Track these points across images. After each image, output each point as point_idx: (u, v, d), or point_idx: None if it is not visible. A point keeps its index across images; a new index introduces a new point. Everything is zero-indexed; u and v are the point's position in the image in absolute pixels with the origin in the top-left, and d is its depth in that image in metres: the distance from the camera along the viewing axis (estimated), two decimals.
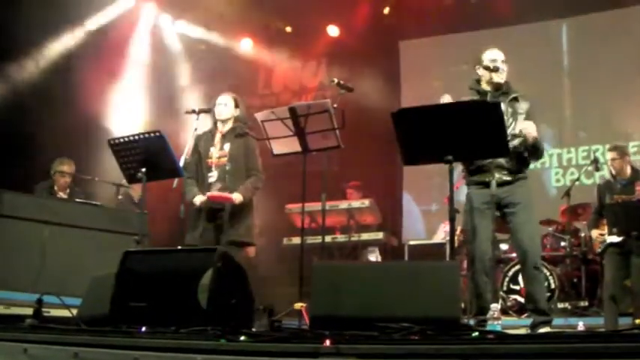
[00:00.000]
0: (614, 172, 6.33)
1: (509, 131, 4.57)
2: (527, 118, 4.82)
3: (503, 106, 4.76)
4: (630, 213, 5.97)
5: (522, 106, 4.85)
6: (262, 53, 10.79)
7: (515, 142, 4.67)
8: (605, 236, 6.23)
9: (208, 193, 5.34)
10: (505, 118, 4.72)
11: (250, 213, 5.51)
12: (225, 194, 5.35)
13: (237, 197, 5.36)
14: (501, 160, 4.70)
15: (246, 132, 5.53)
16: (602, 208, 6.35)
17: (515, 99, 4.87)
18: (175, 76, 10.58)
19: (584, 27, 9.40)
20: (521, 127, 4.70)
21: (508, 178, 4.77)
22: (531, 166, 5.09)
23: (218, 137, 5.51)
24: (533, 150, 4.79)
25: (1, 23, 7.98)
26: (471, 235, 4.82)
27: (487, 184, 4.77)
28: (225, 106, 5.54)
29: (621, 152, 6.35)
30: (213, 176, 5.44)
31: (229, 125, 5.55)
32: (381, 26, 10.11)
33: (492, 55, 4.89)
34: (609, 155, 6.41)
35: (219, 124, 5.57)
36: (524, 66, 7.95)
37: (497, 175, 4.73)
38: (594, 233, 6.44)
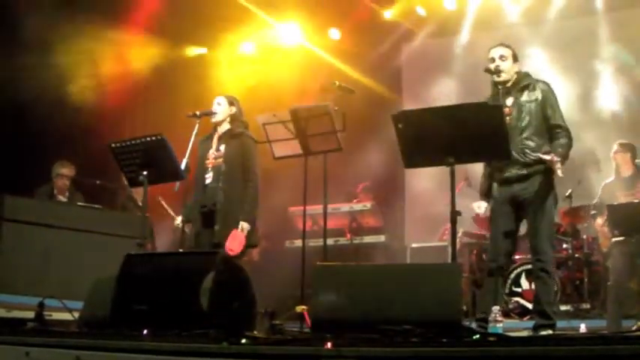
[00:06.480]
0: (614, 165, 6.47)
1: (517, 130, 4.56)
2: (544, 103, 4.63)
3: (510, 101, 4.66)
4: (633, 214, 5.96)
5: (535, 93, 4.66)
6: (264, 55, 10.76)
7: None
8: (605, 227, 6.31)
9: (227, 249, 5.10)
10: (513, 112, 4.62)
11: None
12: (238, 235, 5.16)
13: (245, 227, 5.21)
14: (514, 154, 4.50)
15: (242, 131, 5.47)
16: (605, 207, 6.35)
17: (526, 87, 4.69)
18: (178, 80, 10.56)
19: None
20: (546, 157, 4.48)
21: (522, 172, 4.60)
22: None
23: (215, 138, 5.50)
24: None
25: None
26: (491, 234, 4.81)
27: (503, 182, 4.70)
28: (219, 105, 5.52)
29: (625, 148, 6.46)
30: (209, 177, 5.41)
31: (226, 126, 5.52)
32: (382, 29, 10.09)
33: (491, 54, 4.76)
34: (613, 149, 6.53)
35: (218, 127, 5.55)
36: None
37: (512, 171, 4.61)
38: (599, 221, 6.55)
